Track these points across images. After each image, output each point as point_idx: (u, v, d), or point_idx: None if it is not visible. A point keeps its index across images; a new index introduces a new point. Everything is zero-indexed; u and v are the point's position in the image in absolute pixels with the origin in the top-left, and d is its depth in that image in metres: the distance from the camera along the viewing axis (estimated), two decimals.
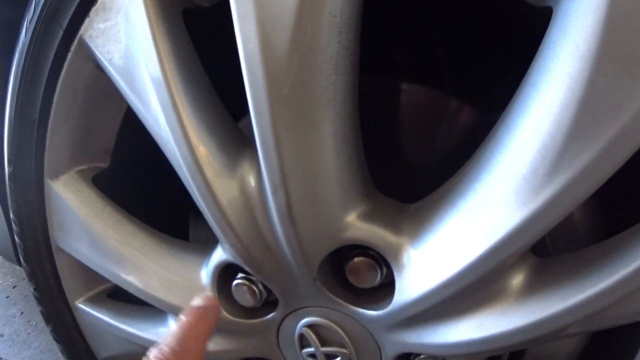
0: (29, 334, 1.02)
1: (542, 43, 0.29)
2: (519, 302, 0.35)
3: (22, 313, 1.09)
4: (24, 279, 1.19)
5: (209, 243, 0.46)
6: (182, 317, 0.33)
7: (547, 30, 0.29)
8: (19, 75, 0.52)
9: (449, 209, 0.35)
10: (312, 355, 0.45)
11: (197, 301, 0.34)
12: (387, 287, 0.39)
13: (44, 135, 0.52)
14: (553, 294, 0.34)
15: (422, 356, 0.41)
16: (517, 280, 0.35)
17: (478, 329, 0.36)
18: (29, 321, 1.06)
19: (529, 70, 0.30)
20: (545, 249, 0.43)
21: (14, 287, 1.17)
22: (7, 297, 1.15)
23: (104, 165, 0.54)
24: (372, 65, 0.44)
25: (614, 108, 0.26)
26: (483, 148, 0.33)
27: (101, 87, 0.49)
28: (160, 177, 0.60)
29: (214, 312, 0.34)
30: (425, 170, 0.44)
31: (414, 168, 0.45)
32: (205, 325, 0.33)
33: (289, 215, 0.35)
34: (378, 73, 0.44)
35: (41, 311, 0.64)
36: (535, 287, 0.35)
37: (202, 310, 0.34)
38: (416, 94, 0.44)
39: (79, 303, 0.59)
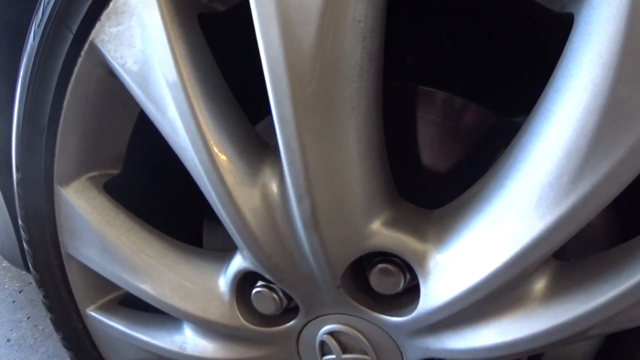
0: (35, 338, 1.01)
1: (565, 49, 0.29)
2: (543, 306, 0.35)
3: (28, 318, 1.08)
4: (31, 283, 1.18)
5: (224, 249, 0.46)
6: None
7: (570, 37, 0.29)
8: (27, 80, 0.51)
9: (474, 214, 0.34)
10: None
11: None
12: (410, 293, 0.39)
13: (54, 142, 0.51)
14: (576, 297, 0.34)
15: None
16: (540, 284, 0.36)
17: (502, 334, 0.36)
18: (35, 326, 1.05)
19: (552, 76, 0.30)
20: (564, 253, 0.43)
21: (20, 292, 1.16)
22: (13, 302, 1.14)
23: (116, 171, 0.53)
24: (391, 70, 0.44)
25: (636, 114, 0.26)
26: (507, 154, 0.33)
27: (113, 93, 0.48)
28: (172, 182, 0.60)
29: None
30: (444, 176, 0.44)
31: (433, 174, 0.44)
32: None
33: (314, 223, 0.35)
34: (397, 78, 0.44)
35: (51, 318, 0.63)
36: (558, 290, 0.35)
37: None
38: (436, 99, 0.43)
39: (90, 311, 0.58)
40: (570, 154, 0.28)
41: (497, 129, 0.43)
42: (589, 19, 0.27)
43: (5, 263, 1.24)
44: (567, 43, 0.29)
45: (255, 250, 0.39)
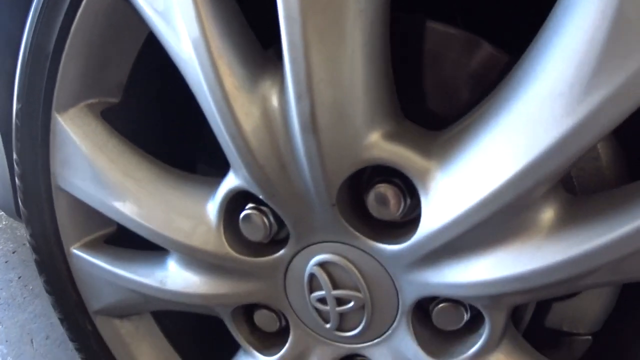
0: (24, 298, 1.00)
1: None
2: (551, 238, 0.33)
3: (19, 278, 1.08)
4: (24, 244, 1.18)
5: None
6: None
7: None
8: (39, 9, 0.50)
9: (482, 129, 0.32)
10: (322, 300, 0.41)
11: None
12: (409, 224, 0.36)
13: (56, 69, 0.51)
14: (585, 231, 0.32)
15: (442, 305, 0.38)
16: (548, 214, 0.33)
17: (508, 266, 0.33)
18: (25, 286, 1.05)
19: None
20: (573, 190, 0.40)
21: (13, 253, 1.16)
22: (6, 262, 1.14)
23: (115, 100, 0.52)
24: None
25: None
26: (517, 67, 0.32)
27: (121, 18, 0.48)
28: (171, 115, 0.58)
29: None
30: (449, 108, 0.42)
31: (435, 107, 0.42)
32: None
33: (312, 124, 0.33)
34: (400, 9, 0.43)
35: (35, 260, 0.61)
36: (566, 223, 0.33)
37: None
38: (441, 32, 0.42)
39: (75, 249, 0.56)
40: (582, 63, 0.27)
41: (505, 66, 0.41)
42: None
43: (0, 224, 1.24)
44: None
45: (249, 160, 0.37)
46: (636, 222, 0.30)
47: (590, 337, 0.46)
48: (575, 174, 0.41)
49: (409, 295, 0.38)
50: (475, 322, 0.39)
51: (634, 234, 0.30)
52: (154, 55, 0.49)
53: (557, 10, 0.29)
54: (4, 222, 1.08)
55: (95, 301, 0.57)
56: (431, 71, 0.43)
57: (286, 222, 0.39)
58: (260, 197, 0.38)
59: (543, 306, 0.44)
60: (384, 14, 0.33)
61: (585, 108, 0.28)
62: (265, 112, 0.36)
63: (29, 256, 0.62)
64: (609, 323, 0.45)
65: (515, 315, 0.40)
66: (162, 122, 0.57)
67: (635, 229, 0.30)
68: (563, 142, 0.29)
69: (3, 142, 0.70)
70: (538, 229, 0.33)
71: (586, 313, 0.44)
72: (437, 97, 0.43)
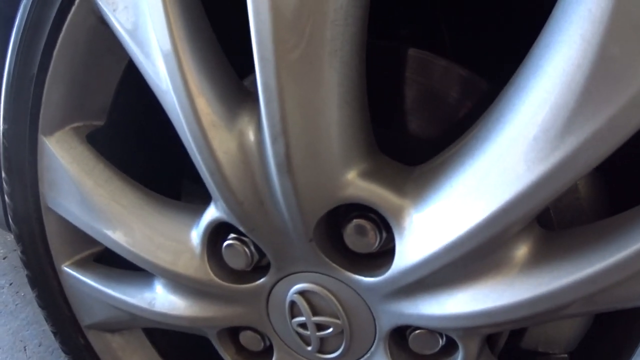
0: (16, 305, 1.01)
1: (555, 7, 0.28)
2: (524, 274, 0.34)
3: (11, 284, 1.08)
4: (15, 250, 1.18)
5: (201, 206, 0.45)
6: None
7: None
8: (22, 28, 0.50)
9: (457, 169, 0.33)
10: (303, 325, 0.43)
11: None
12: (385, 255, 0.38)
13: (41, 91, 0.51)
14: (560, 267, 0.32)
15: (418, 331, 0.39)
16: (522, 251, 0.34)
17: (480, 301, 0.34)
18: (17, 292, 1.05)
19: (541, 32, 0.29)
20: (550, 223, 0.41)
21: (4, 258, 1.16)
22: None
23: (100, 123, 0.53)
24: (377, 31, 0.43)
25: (625, 73, 0.25)
26: (493, 108, 0.32)
27: (103, 43, 0.48)
28: (155, 139, 0.59)
29: None
30: (427, 137, 0.43)
31: (416, 135, 0.43)
32: None
33: (288, 166, 0.34)
34: (383, 38, 0.43)
35: (27, 275, 0.62)
36: (540, 259, 0.33)
37: None
38: (420, 60, 0.42)
39: (65, 267, 0.57)
40: (558, 108, 0.27)
41: (481, 92, 0.41)
42: None
43: None
44: (558, 1, 0.28)
45: (228, 196, 0.37)
46: (606, 261, 0.30)
47: (566, 355, 0.47)
48: (553, 207, 0.41)
49: (386, 323, 0.40)
50: (450, 347, 0.40)
51: (603, 272, 0.30)
52: (137, 79, 0.49)
53: (536, 49, 0.29)
54: None
55: (86, 316, 0.58)
56: (410, 98, 0.43)
57: (266, 253, 0.40)
58: (241, 229, 0.39)
59: (518, 329, 0.45)
60: (359, 53, 0.34)
61: (559, 154, 0.28)
62: (243, 148, 0.37)
63: (20, 262, 0.63)
64: (585, 342, 0.46)
65: (490, 338, 0.42)
66: (147, 143, 0.57)
67: (605, 268, 0.30)
68: (535, 187, 0.29)
69: None
70: (510, 266, 0.34)
71: (562, 333, 0.45)
72: (416, 125, 0.44)
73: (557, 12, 0.28)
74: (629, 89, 0.26)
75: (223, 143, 0.36)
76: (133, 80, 0.54)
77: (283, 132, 0.33)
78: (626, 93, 0.26)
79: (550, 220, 0.41)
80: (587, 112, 0.26)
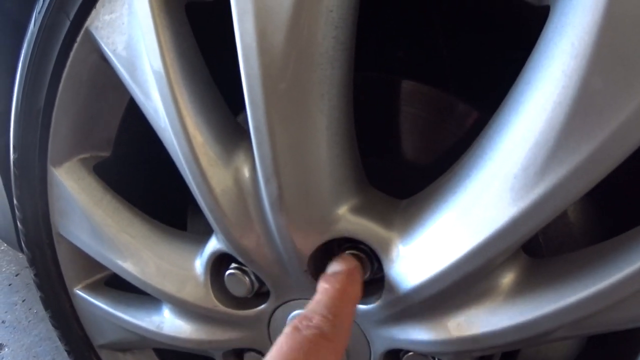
0: (29, 321, 1.04)
1: (538, 42, 0.29)
2: (509, 302, 0.35)
3: (23, 301, 1.11)
4: (27, 267, 1.21)
5: (205, 233, 0.47)
6: (325, 284, 0.31)
7: (544, 29, 0.28)
8: (27, 64, 0.53)
9: (440, 204, 0.35)
10: None
11: (338, 266, 0.32)
12: (378, 282, 0.40)
13: (49, 124, 0.53)
14: (544, 295, 0.34)
15: (410, 353, 0.41)
16: (507, 279, 0.35)
17: (467, 327, 0.36)
18: (30, 309, 1.08)
19: (523, 69, 0.30)
20: (539, 249, 0.43)
21: (17, 275, 1.19)
22: (9, 285, 1.17)
23: (106, 154, 0.55)
24: (371, 62, 0.45)
25: (607, 107, 0.25)
26: (476, 145, 0.33)
27: (105, 78, 0.50)
28: (160, 168, 0.61)
29: (358, 274, 0.32)
30: (418, 167, 0.45)
31: (407, 165, 0.45)
32: (352, 288, 0.31)
33: (280, 205, 0.36)
34: (378, 69, 0.45)
35: (41, 297, 0.65)
36: (526, 287, 0.35)
37: (346, 274, 0.32)
38: (411, 91, 0.44)
39: (77, 290, 0.59)
40: (538, 145, 0.27)
41: (472, 122, 0.43)
42: (564, 10, 0.26)
43: (3, 247, 1.28)
44: (541, 35, 0.28)
45: (226, 231, 0.40)
46: (588, 290, 0.31)
47: None
48: (541, 233, 0.42)
49: (379, 346, 0.42)
50: None
51: (585, 301, 0.31)
52: (140, 112, 0.51)
53: (518, 86, 0.29)
54: (5, 245, 1.11)
55: (98, 337, 0.61)
56: (400, 128, 0.45)
57: (266, 282, 0.43)
58: (240, 260, 0.42)
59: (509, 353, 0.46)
60: (346, 95, 0.35)
61: (539, 191, 0.28)
62: (239, 185, 0.39)
63: (32, 279, 0.66)
64: (580, 359, 0.48)
65: (482, 359, 0.43)
66: (151, 174, 0.59)
67: (587, 297, 0.31)
68: (516, 223, 0.30)
69: (1, 174, 0.73)
70: (496, 294, 0.35)
71: (556, 351, 0.47)
72: (407, 154, 0.45)
73: (539, 47, 0.28)
74: (610, 124, 0.25)
75: (220, 181, 0.39)
76: (136, 114, 0.57)
77: (275, 174, 0.35)
78: (608, 128, 0.26)
79: (539, 245, 0.43)
80: (567, 148, 0.27)
